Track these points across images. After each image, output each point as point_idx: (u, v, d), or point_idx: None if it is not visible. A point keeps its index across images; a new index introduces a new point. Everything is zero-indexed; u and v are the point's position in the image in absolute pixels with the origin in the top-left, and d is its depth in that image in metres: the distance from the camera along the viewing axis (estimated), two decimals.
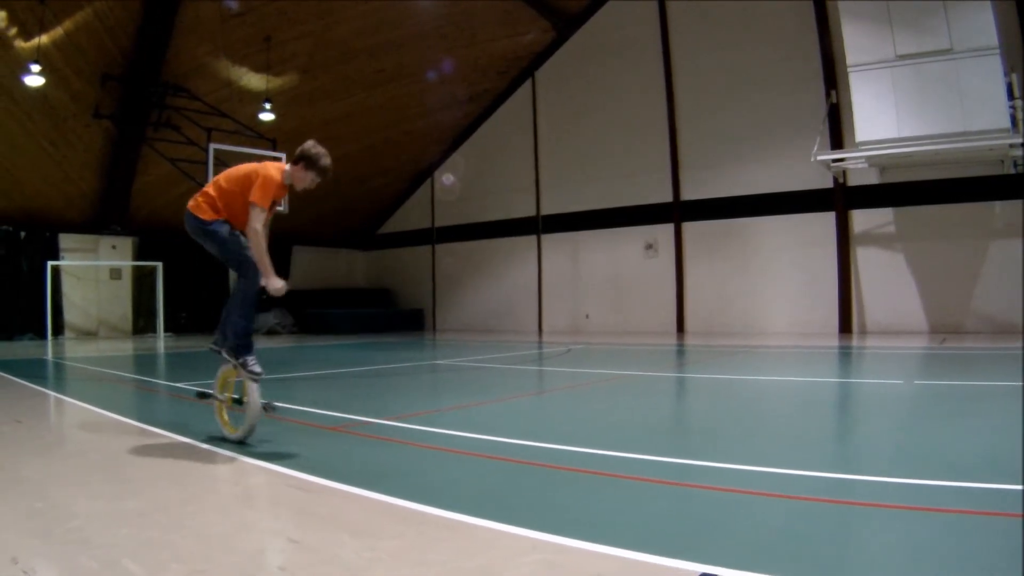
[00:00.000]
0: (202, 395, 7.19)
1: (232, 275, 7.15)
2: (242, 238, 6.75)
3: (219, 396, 6.95)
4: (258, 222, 6.44)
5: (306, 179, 6.77)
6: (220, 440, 6.57)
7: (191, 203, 6.81)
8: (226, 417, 6.91)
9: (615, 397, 10.17)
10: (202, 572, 3.34)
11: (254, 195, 6.46)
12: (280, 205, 23.21)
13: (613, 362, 15.86)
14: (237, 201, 6.66)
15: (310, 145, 6.74)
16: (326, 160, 6.72)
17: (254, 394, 6.45)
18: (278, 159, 23.60)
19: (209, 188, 6.87)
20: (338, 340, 25.91)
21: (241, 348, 6.67)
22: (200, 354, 19.40)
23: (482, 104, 33.13)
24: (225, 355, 6.79)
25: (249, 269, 6.60)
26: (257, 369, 6.58)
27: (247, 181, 6.61)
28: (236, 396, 6.82)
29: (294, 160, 6.74)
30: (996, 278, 20.95)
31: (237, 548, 3.71)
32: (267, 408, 6.53)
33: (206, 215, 6.69)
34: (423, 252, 37.31)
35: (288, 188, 6.91)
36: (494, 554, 3.58)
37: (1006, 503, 4.32)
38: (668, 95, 27.72)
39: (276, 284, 6.40)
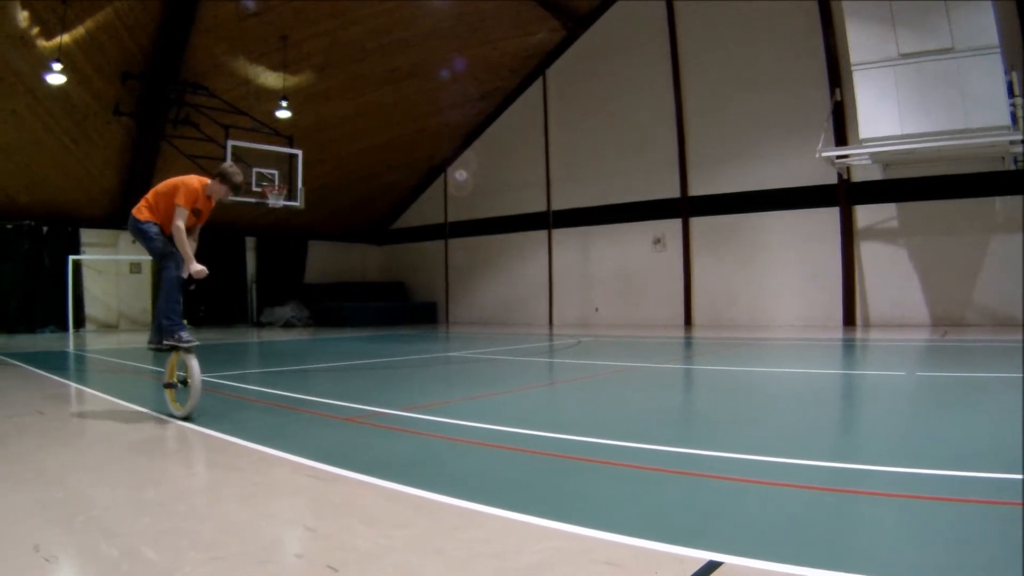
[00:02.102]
0: (169, 386, 7.83)
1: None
2: (165, 239, 7.88)
3: (172, 382, 7.73)
4: (179, 220, 7.64)
5: (221, 191, 8.08)
6: (239, 431, 6.58)
7: (134, 209, 7.97)
8: (174, 398, 7.71)
9: (624, 388, 10.16)
10: (220, 560, 3.34)
11: (177, 199, 7.68)
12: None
13: (622, 354, 15.85)
14: (166, 205, 7.83)
15: (227, 165, 8.15)
16: (237, 178, 8.11)
17: (195, 371, 7.35)
18: (294, 155, 23.79)
19: (149, 196, 8.01)
20: (352, 333, 25.96)
21: (173, 327, 7.66)
22: (219, 346, 19.45)
23: (494, 102, 33.16)
24: (164, 341, 7.72)
25: (171, 261, 7.78)
26: (188, 337, 7.60)
27: (174, 190, 7.78)
28: (182, 375, 7.58)
29: (213, 176, 8.05)
30: (997, 272, 20.93)
31: (254, 536, 3.72)
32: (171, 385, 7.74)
33: (143, 216, 7.87)
34: (436, 246, 37.38)
35: (209, 198, 8.09)
36: (506, 542, 3.58)
37: (1007, 492, 4.30)
38: (676, 93, 27.70)
39: (195, 267, 7.70)
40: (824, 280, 24.30)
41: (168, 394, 7.75)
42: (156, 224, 7.85)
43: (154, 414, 7.75)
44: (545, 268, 32.24)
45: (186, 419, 7.33)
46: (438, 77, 29.25)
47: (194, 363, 7.38)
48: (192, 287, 7.90)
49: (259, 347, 19.80)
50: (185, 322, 7.81)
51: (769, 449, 5.68)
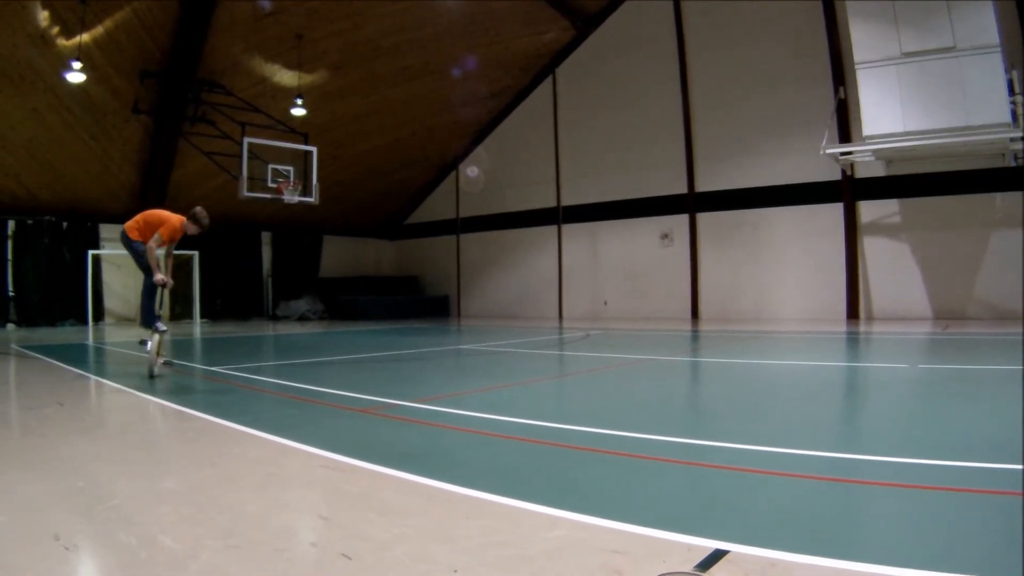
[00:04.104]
0: (142, 342, 10.71)
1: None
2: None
3: (154, 356, 10.26)
4: (154, 243, 10.04)
5: (192, 229, 10.36)
6: (255, 422, 6.59)
7: (126, 226, 10.46)
8: (157, 363, 10.30)
9: (632, 380, 10.15)
10: (236, 548, 3.34)
11: (161, 230, 10.09)
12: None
13: (630, 347, 15.84)
14: (151, 231, 10.19)
15: (198, 210, 10.36)
16: (204, 220, 10.37)
17: (153, 344, 10.11)
18: (309, 152, 23.86)
19: (139, 219, 10.43)
20: (366, 326, 26.00)
21: (149, 318, 10.32)
22: (234, 339, 19.50)
23: (504, 100, 33.20)
24: (146, 328, 10.45)
25: (150, 272, 10.18)
26: (162, 327, 10.17)
27: (160, 222, 10.23)
28: (167, 359, 10.78)
29: (187, 216, 10.31)
30: (997, 267, 20.95)
31: (270, 525, 3.71)
32: (168, 363, 11.16)
33: (134, 235, 10.32)
34: (448, 241, 37.45)
35: (183, 231, 10.37)
36: (517, 531, 3.57)
37: (1007, 482, 4.29)
38: (683, 91, 27.71)
39: (159, 278, 10.07)
40: (828, 274, 24.31)
41: (154, 359, 10.23)
42: (143, 244, 10.20)
43: (172, 406, 7.78)
44: (555, 263, 32.28)
45: (150, 377, 9.97)
46: (450, 75, 29.30)
47: (156, 340, 10.10)
48: (164, 288, 10.31)
49: (275, 340, 19.84)
50: (161, 314, 10.50)
51: (775, 440, 5.68)
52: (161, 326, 10.13)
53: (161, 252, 10.43)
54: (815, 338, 17.30)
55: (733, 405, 7.91)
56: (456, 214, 37.02)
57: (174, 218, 10.34)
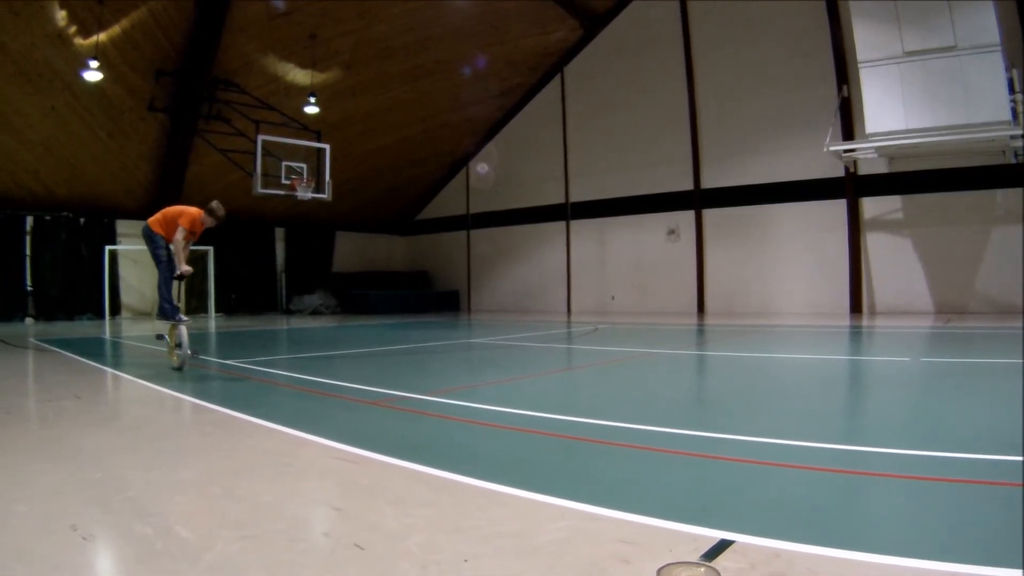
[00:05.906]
0: (159, 336, 11.59)
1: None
2: (165, 248, 10.57)
3: (170, 342, 10.74)
4: (180, 235, 10.32)
5: (209, 221, 10.69)
6: (270, 415, 6.60)
7: (150, 219, 10.65)
8: (173, 354, 10.58)
9: (640, 373, 10.16)
10: (251, 538, 3.34)
11: (181, 221, 10.40)
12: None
13: (638, 341, 15.83)
14: (172, 224, 10.47)
15: (215, 204, 10.77)
16: (220, 212, 10.75)
17: (184, 337, 10.20)
18: (322, 149, 23.89)
19: (160, 215, 10.68)
20: (378, 320, 26.00)
21: (169, 310, 10.48)
22: (248, 333, 19.52)
23: (514, 98, 33.15)
24: (164, 318, 10.69)
25: (163, 264, 10.52)
26: (182, 316, 10.48)
27: (179, 215, 10.53)
28: (178, 343, 10.36)
29: (205, 209, 10.66)
30: (997, 262, 20.91)
31: (284, 515, 3.71)
32: (194, 353, 11.17)
33: (156, 229, 10.52)
34: (459, 237, 37.47)
35: (202, 224, 10.67)
36: (526, 521, 3.56)
37: (1007, 473, 4.29)
38: (689, 89, 27.66)
39: (184, 268, 10.42)
40: (831, 269, 24.28)
41: (169, 349, 10.76)
42: (163, 237, 10.48)
43: (188, 399, 7.80)
44: (563, 258, 32.29)
45: (179, 369, 10.16)
46: (460, 74, 29.29)
47: (183, 332, 10.24)
48: (181, 280, 10.51)
49: (288, 334, 19.85)
50: (179, 305, 10.74)
51: (780, 432, 5.68)
52: (182, 316, 10.45)
53: (181, 241, 10.63)
54: (819, 332, 17.27)
55: (739, 398, 7.90)
56: (466, 210, 37.05)
57: (192, 209, 10.68)
